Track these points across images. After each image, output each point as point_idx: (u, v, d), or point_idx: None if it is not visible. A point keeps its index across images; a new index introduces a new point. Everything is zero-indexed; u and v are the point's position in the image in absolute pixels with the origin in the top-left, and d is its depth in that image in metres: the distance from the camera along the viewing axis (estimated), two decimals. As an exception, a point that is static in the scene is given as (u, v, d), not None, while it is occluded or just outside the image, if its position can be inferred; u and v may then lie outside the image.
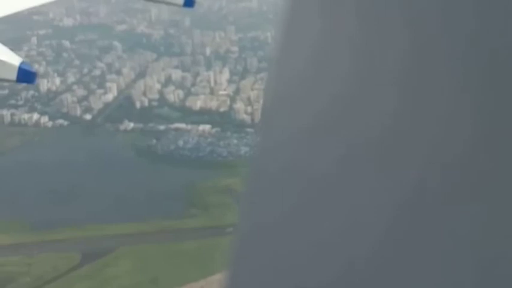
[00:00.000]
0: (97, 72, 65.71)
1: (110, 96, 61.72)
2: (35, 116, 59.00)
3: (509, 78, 0.90)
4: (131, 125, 57.33)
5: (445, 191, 0.94)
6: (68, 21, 76.58)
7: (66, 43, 71.03)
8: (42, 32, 74.06)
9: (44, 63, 67.19)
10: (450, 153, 0.94)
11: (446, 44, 0.94)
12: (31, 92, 62.90)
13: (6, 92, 63.32)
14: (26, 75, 9.03)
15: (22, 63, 8.90)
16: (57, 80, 64.16)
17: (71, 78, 64.53)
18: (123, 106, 61.16)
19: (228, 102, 59.69)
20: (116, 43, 70.11)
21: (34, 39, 71.51)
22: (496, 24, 0.91)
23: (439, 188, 0.94)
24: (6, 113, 59.45)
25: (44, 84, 63.04)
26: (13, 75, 8.89)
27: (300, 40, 1.12)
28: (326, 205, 1.06)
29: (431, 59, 0.95)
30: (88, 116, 59.45)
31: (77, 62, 67.67)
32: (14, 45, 64.01)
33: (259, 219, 1.16)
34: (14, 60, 8.92)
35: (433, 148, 0.95)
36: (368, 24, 1.01)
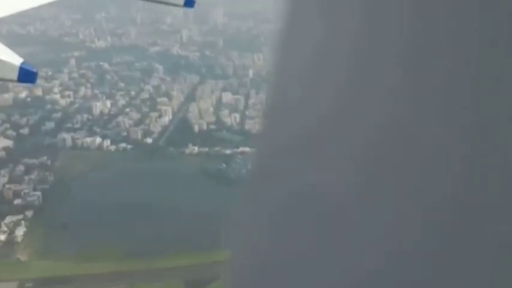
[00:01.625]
0: (145, 95, 66.81)
1: (165, 120, 63.01)
2: (98, 139, 59.79)
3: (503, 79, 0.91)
4: (195, 148, 58.72)
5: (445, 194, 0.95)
6: (99, 43, 77.23)
7: (105, 65, 71.78)
8: (76, 53, 74.57)
9: (89, 85, 67.87)
10: (450, 157, 0.94)
11: (447, 44, 0.95)
12: (85, 115, 63.64)
13: (59, 115, 63.92)
14: (26, 75, 8.95)
15: (23, 63, 8.84)
16: (108, 103, 64.97)
17: (121, 101, 65.44)
18: (181, 129, 62.49)
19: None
20: (157, 65, 71.27)
21: (73, 61, 72.01)
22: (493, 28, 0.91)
23: (438, 191, 0.95)
24: (66, 136, 60.06)
25: (96, 108, 63.84)
26: (14, 75, 8.86)
27: (300, 42, 1.16)
28: (326, 209, 1.09)
29: (430, 60, 0.96)
30: (149, 140, 60.59)
31: (121, 84, 68.53)
32: (55, 68, 64.97)
33: (259, 221, 1.20)
34: (15, 60, 8.89)
35: (434, 150, 0.96)
36: (366, 27, 1.03)
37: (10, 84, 64.60)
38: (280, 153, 1.17)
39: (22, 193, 52.73)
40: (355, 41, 1.05)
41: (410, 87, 0.99)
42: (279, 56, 1.21)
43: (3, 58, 8.83)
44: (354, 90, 1.06)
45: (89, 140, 59.56)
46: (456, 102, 0.95)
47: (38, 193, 52.37)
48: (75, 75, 69.32)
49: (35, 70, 9.46)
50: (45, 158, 56.61)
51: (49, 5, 13.66)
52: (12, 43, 71.64)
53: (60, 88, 67.30)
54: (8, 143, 59.30)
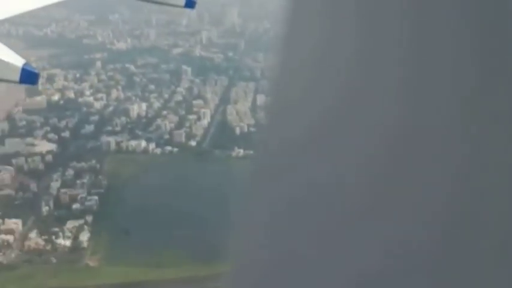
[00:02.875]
0: (178, 97, 67.23)
1: (205, 122, 63.59)
2: (143, 143, 60.08)
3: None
4: (241, 151, 59.48)
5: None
6: (120, 45, 77.14)
7: (131, 67, 71.83)
8: (98, 55, 74.36)
9: (119, 87, 67.95)
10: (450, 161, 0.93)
11: (448, 43, 0.94)
12: (123, 118, 63.76)
13: (96, 117, 63.93)
14: (28, 76, 8.91)
15: (25, 64, 8.86)
16: (143, 106, 65.21)
17: (156, 104, 65.75)
18: (222, 132, 63.17)
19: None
20: (185, 67, 71.68)
21: (98, 64, 71.86)
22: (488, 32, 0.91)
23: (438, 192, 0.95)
24: (110, 139, 60.18)
25: (133, 110, 64.05)
26: (16, 76, 8.85)
27: (302, 43, 1.20)
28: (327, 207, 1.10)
29: (431, 60, 0.96)
30: (193, 143, 61.12)
31: (151, 86, 68.78)
32: (81, 70, 64.93)
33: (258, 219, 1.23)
34: (17, 61, 8.92)
35: (435, 153, 0.95)
36: (368, 27, 1.04)
37: (41, 87, 64.28)
38: (283, 153, 1.22)
39: (79, 198, 52.72)
40: (357, 41, 1.08)
41: (413, 87, 0.99)
42: (282, 56, 1.27)
43: (5, 59, 8.79)
44: (355, 91, 1.08)
45: (133, 143, 59.67)
46: (457, 102, 0.95)
47: (95, 197, 52.45)
48: (103, 77, 69.16)
49: (36, 71, 9.39)
50: (93, 161, 56.54)
51: (58, 5, 14.27)
52: (31, 45, 71.19)
53: (91, 90, 67.07)
54: (52, 146, 59.10)
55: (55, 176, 54.86)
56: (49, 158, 57.21)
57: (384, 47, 1.03)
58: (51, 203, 51.99)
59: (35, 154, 57.71)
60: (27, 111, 64.01)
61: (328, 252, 1.12)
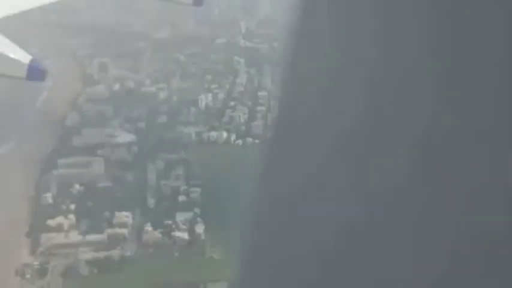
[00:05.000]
0: (239, 88, 66.89)
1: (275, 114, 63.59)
2: (224, 134, 59.61)
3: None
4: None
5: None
6: (160, 34, 75.82)
7: (181, 57, 70.88)
8: (141, 44, 72.99)
9: (178, 77, 67.03)
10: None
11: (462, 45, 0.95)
12: (192, 109, 62.98)
13: (165, 108, 62.93)
14: (36, 73, 9.03)
15: (32, 61, 9.06)
16: (209, 96, 64.62)
17: (220, 95, 65.24)
18: (295, 123, 63.49)
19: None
20: (237, 58, 71.28)
21: (148, 53, 70.52)
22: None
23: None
24: (191, 131, 59.43)
25: (202, 101, 63.41)
26: (23, 73, 9.04)
27: (310, 46, 1.21)
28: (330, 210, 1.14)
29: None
30: (271, 134, 61.00)
31: (208, 76, 68.17)
32: (131, 59, 63.98)
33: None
34: (24, 58, 9.15)
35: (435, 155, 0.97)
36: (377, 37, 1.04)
37: (96, 76, 62.77)
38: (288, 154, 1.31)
39: (181, 189, 51.94)
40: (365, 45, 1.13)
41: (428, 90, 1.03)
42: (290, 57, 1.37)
43: (13, 56, 8.91)
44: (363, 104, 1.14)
45: (214, 134, 59.03)
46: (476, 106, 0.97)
47: (197, 189, 51.81)
48: (156, 66, 67.88)
49: (43, 68, 9.33)
50: (182, 152, 55.71)
51: None
52: (67, 33, 69.20)
53: (150, 80, 65.82)
54: (131, 137, 57.75)
55: (149, 168, 53.62)
56: (135, 148, 55.76)
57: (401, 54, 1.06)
58: (156, 195, 50.85)
59: (119, 145, 56.17)
60: (92, 101, 62.13)
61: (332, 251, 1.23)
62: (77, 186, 51.47)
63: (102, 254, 46.22)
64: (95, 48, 71.65)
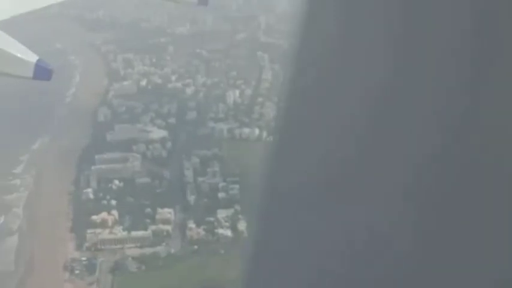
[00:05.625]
0: (266, 84, 67.05)
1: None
2: (256, 130, 59.78)
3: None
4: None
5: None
6: (180, 30, 75.81)
7: (203, 52, 70.94)
8: (163, 39, 72.97)
9: (202, 73, 67.13)
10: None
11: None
12: (221, 105, 63.12)
13: (194, 104, 63.04)
14: (42, 72, 8.87)
15: (38, 60, 8.83)
16: (237, 92, 64.74)
17: (247, 91, 65.39)
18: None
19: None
20: (261, 53, 71.40)
21: (170, 48, 70.53)
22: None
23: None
24: (223, 127, 59.58)
25: (230, 97, 63.57)
26: (30, 73, 8.83)
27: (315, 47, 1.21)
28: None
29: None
30: (300, 131, 61.42)
31: (233, 73, 68.30)
32: (154, 55, 64.06)
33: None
34: (31, 57, 8.88)
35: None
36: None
37: (122, 71, 62.70)
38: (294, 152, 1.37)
39: (219, 186, 52.15)
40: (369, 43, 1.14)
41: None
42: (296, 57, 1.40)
43: (19, 55, 9.01)
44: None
45: (246, 131, 59.21)
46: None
47: (236, 186, 52.03)
48: (181, 62, 67.94)
49: (50, 67, 9.42)
50: (216, 149, 55.87)
51: None
52: (88, 28, 69.06)
53: (177, 76, 65.87)
54: (163, 133, 57.85)
55: (185, 164, 53.74)
56: (169, 145, 55.85)
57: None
58: (195, 192, 51.00)
59: (152, 141, 56.24)
60: (121, 97, 62.06)
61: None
62: (117, 182, 51.49)
63: (148, 251, 46.30)
64: (118, 44, 71.44)
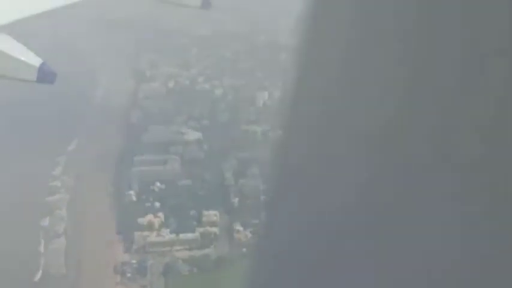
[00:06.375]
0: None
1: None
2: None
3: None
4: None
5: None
6: (202, 31, 75.41)
7: (226, 53, 70.68)
8: (184, 41, 72.54)
9: (228, 75, 66.84)
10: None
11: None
12: (251, 107, 62.89)
13: (224, 105, 62.73)
14: (46, 76, 8.93)
15: (42, 63, 8.90)
16: (266, 94, 64.56)
17: (275, 93, 65.22)
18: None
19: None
20: (284, 55, 71.19)
21: (194, 50, 70.10)
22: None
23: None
24: (256, 129, 59.32)
25: (259, 98, 63.36)
26: (33, 76, 8.88)
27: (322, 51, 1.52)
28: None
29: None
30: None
31: (259, 74, 68.14)
32: (181, 57, 63.77)
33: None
34: (35, 61, 8.92)
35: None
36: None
37: (148, 72, 62.23)
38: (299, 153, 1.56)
39: (260, 189, 51.85)
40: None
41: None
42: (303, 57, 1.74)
43: (23, 59, 9.07)
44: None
45: (280, 133, 58.79)
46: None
47: (277, 188, 51.68)
48: (206, 63, 67.56)
49: (54, 71, 9.44)
50: (252, 151, 55.58)
51: None
52: (108, 29, 68.28)
53: (204, 77, 65.47)
54: (198, 135, 57.45)
55: (224, 166, 53.39)
56: (205, 147, 55.44)
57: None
58: (238, 194, 50.69)
59: (188, 142, 55.79)
60: (150, 98, 61.50)
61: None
62: (158, 184, 50.90)
63: (196, 253, 45.80)
64: (140, 45, 70.77)
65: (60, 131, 55.37)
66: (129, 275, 44.09)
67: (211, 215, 48.21)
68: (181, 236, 46.58)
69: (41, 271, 43.11)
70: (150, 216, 47.68)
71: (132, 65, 67.97)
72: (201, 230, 47.17)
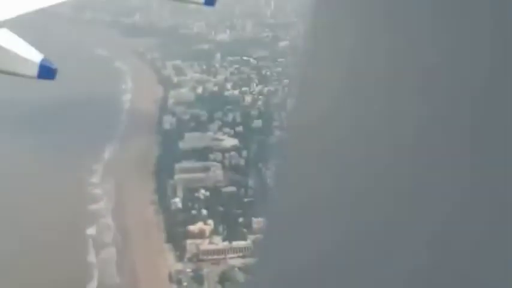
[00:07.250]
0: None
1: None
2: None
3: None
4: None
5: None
6: (221, 36, 74.45)
7: (250, 59, 69.73)
8: (205, 46, 71.48)
9: (256, 81, 65.87)
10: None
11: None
12: (283, 113, 61.78)
13: (256, 112, 61.68)
14: (46, 71, 8.81)
15: (43, 59, 8.78)
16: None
17: (305, 99, 64.39)
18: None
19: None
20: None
21: (218, 56, 69.05)
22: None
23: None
24: (291, 135, 58.30)
25: (289, 105, 62.35)
26: (34, 72, 8.76)
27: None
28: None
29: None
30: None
31: (285, 80, 67.07)
32: (202, 62, 62.77)
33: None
34: (35, 56, 8.81)
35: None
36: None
37: (175, 78, 61.05)
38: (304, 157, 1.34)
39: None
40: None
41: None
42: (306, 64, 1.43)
43: (24, 55, 8.95)
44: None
45: (315, 139, 58.05)
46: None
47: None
48: (231, 69, 66.55)
49: (54, 67, 9.32)
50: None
51: None
52: (126, 33, 67.23)
53: (231, 83, 64.43)
54: (235, 141, 56.30)
55: (266, 173, 52.12)
56: (244, 154, 54.29)
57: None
58: (284, 202, 49.50)
59: (226, 149, 54.62)
60: (181, 104, 60.26)
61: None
62: (203, 191, 49.52)
63: (251, 261, 44.36)
64: (162, 50, 69.48)
65: (92, 137, 53.74)
66: (185, 283, 42.67)
67: (261, 222, 46.76)
68: (234, 243, 45.17)
69: (96, 281, 41.42)
70: (200, 224, 46.21)
71: (158, 71, 66.59)
72: (253, 237, 45.73)
